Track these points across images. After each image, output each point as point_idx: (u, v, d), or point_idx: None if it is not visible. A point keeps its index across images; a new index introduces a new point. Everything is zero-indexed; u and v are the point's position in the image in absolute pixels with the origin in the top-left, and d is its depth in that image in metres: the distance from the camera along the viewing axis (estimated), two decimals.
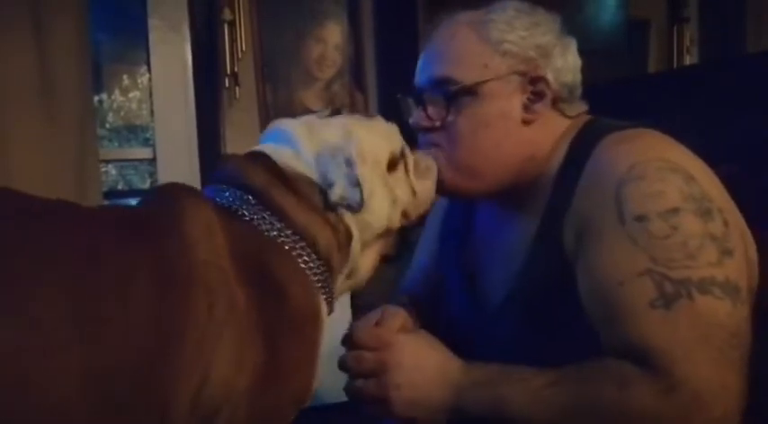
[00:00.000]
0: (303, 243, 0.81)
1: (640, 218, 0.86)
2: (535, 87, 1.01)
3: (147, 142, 2.39)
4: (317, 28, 2.29)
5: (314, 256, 0.82)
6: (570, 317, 0.91)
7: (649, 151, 0.91)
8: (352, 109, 2.31)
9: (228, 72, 2.18)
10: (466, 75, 1.01)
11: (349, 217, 0.87)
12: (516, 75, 1.01)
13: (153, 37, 2.18)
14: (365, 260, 0.92)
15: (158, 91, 2.21)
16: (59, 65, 1.82)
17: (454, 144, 1.02)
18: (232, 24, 2.18)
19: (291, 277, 0.78)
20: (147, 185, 2.47)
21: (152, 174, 2.36)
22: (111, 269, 0.65)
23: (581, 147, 0.99)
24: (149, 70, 2.25)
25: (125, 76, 2.49)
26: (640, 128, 0.97)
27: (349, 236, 0.87)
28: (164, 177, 2.21)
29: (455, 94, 1.01)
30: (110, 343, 0.62)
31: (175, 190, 0.79)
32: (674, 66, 2.71)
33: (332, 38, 2.31)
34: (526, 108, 1.02)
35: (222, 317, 0.69)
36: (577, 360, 0.86)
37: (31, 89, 1.78)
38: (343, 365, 0.98)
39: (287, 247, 0.80)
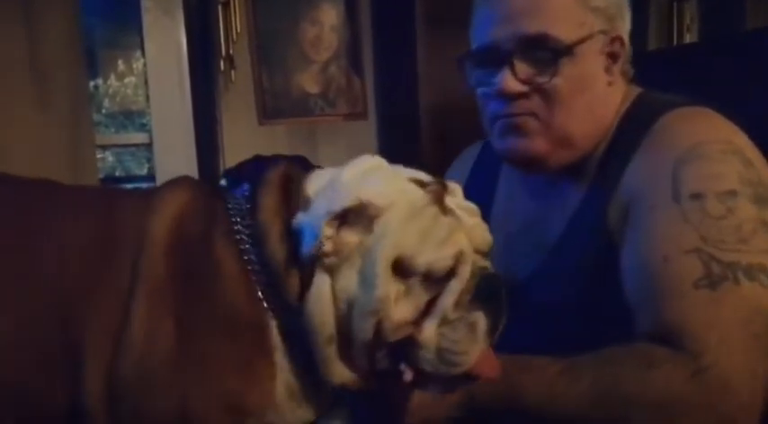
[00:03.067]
0: (258, 250, 0.74)
1: (697, 197, 0.85)
2: (612, 48, 0.97)
3: (144, 127, 2.37)
4: (312, 9, 2.27)
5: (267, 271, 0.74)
6: (603, 295, 0.89)
7: (713, 131, 0.90)
8: (349, 92, 2.29)
9: (224, 55, 2.16)
10: (565, 33, 0.93)
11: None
12: (601, 35, 0.96)
13: (146, 20, 2.16)
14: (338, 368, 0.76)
15: (153, 75, 2.19)
16: (51, 50, 1.81)
17: (551, 109, 0.95)
18: (226, 6, 2.15)
19: (233, 274, 0.73)
20: (144, 171, 2.46)
21: (149, 159, 2.35)
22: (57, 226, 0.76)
23: (638, 121, 0.96)
24: (143, 54, 2.23)
25: (120, 61, 2.47)
26: (700, 107, 0.95)
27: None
28: (161, 162, 2.20)
29: (556, 54, 0.93)
30: (38, 284, 0.73)
31: (178, 178, 0.82)
32: (675, 43, 2.69)
33: (328, 19, 2.29)
34: (607, 70, 0.98)
35: (142, 274, 0.73)
36: (602, 342, 0.83)
37: (24, 75, 1.77)
38: None
39: (242, 247, 0.75)
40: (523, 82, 0.95)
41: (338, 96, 2.29)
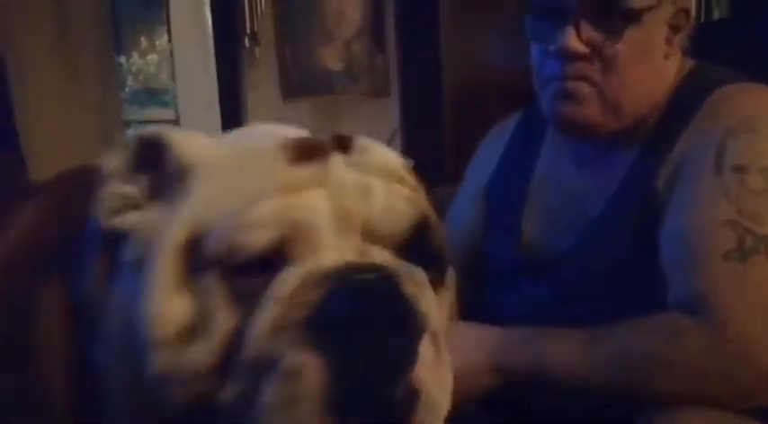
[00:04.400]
0: None
1: (739, 169, 0.86)
2: (676, 20, 0.96)
3: (166, 105, 2.40)
4: None
5: None
6: (644, 267, 0.90)
7: (765, 107, 0.90)
8: (372, 69, 2.29)
9: (248, 32, 2.17)
10: (637, 0, 0.92)
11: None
12: (669, 5, 0.95)
13: None
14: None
15: (179, 52, 2.21)
16: (80, 28, 1.83)
17: (608, 74, 0.93)
18: None
19: None
20: None
21: None
22: None
23: (694, 93, 0.96)
24: (169, 31, 2.24)
25: (143, 39, 2.49)
26: (755, 83, 0.95)
27: None
28: None
29: (624, 20, 0.91)
30: None
31: None
32: (702, 20, 2.65)
33: None
34: (668, 41, 0.96)
35: None
36: (638, 313, 0.85)
37: (52, 53, 1.79)
38: None
39: None
40: (586, 44, 0.93)
41: (361, 73, 2.29)
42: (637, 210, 0.94)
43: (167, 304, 0.46)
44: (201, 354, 0.45)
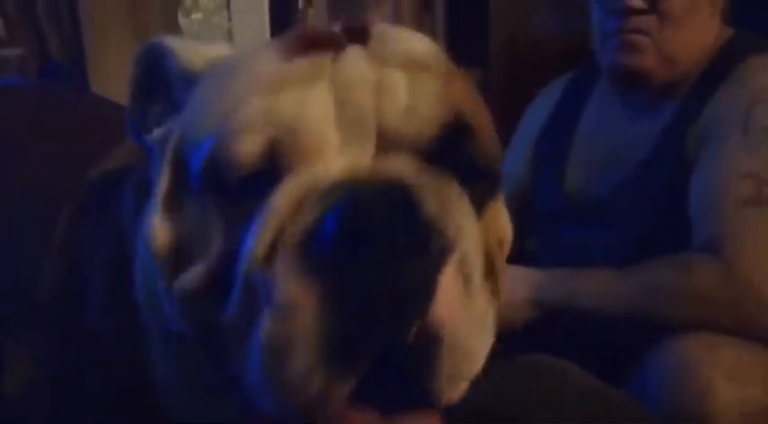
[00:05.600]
0: None
1: (765, 130, 0.97)
2: None
3: None
4: None
5: None
6: (675, 216, 1.01)
7: None
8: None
9: None
10: None
11: None
12: None
13: None
14: None
15: (237, 22, 2.28)
16: None
17: (664, 28, 1.06)
18: None
19: None
20: None
21: None
22: None
23: (730, 57, 1.06)
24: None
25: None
26: None
27: None
28: None
29: None
30: None
31: None
32: None
33: None
34: (711, 1, 1.09)
35: None
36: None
37: (120, 6, 1.86)
38: None
39: None
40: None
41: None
42: (673, 161, 1.05)
43: (160, 224, 0.43)
44: (196, 274, 0.41)
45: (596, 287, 0.98)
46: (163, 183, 0.44)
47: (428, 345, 0.36)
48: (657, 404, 0.91)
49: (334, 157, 0.38)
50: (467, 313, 0.38)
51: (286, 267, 0.36)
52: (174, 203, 0.43)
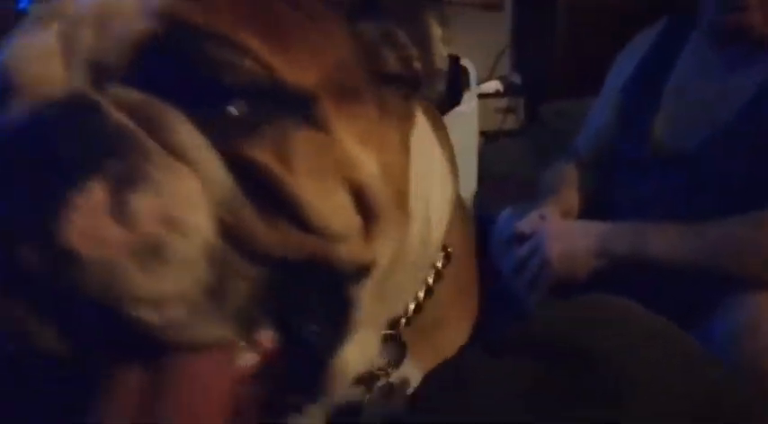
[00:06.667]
0: None
1: None
2: None
3: None
4: None
5: None
6: (760, 174, 1.02)
7: None
8: None
9: None
10: None
11: None
12: None
13: None
14: None
15: None
16: None
17: None
18: None
19: None
20: None
21: None
22: None
23: None
24: None
25: None
26: None
27: None
28: None
29: None
30: None
31: None
32: None
33: None
34: None
35: None
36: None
37: None
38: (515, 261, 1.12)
39: None
40: None
41: None
42: (766, 119, 1.04)
43: None
44: None
45: (668, 239, 1.00)
46: None
47: (62, 261, 0.33)
48: (722, 358, 0.88)
49: (54, 90, 0.38)
50: (120, 231, 0.34)
51: None
52: None
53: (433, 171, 0.50)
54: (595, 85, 1.37)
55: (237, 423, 0.37)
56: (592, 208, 1.23)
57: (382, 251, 0.42)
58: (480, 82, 2.09)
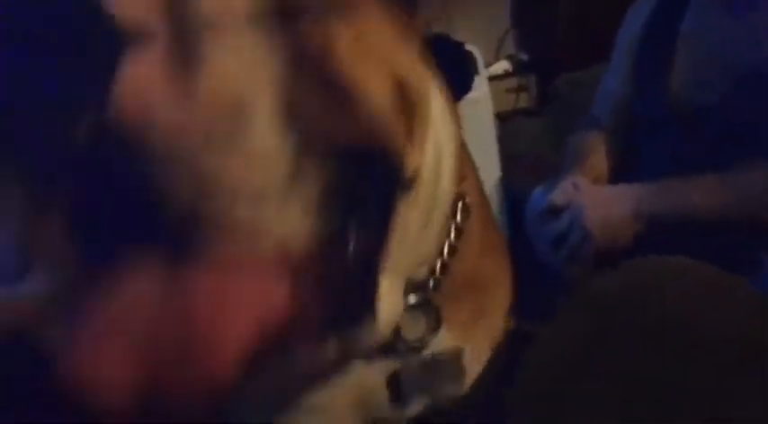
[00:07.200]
0: None
1: None
2: None
3: None
4: None
5: None
6: None
7: None
8: None
9: None
10: None
11: None
12: None
13: None
14: None
15: None
16: None
17: None
18: None
19: None
20: None
21: None
22: None
23: None
24: None
25: None
26: None
27: None
28: None
29: None
30: None
31: None
32: None
33: None
34: None
35: None
36: None
37: None
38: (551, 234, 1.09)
39: None
40: None
41: None
42: None
43: None
44: None
45: (707, 191, 0.97)
46: None
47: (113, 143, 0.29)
48: None
49: None
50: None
51: None
52: None
53: (436, 107, 0.46)
54: (606, 51, 1.33)
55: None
56: (620, 172, 1.20)
57: (423, 160, 0.40)
58: (487, 65, 2.06)
